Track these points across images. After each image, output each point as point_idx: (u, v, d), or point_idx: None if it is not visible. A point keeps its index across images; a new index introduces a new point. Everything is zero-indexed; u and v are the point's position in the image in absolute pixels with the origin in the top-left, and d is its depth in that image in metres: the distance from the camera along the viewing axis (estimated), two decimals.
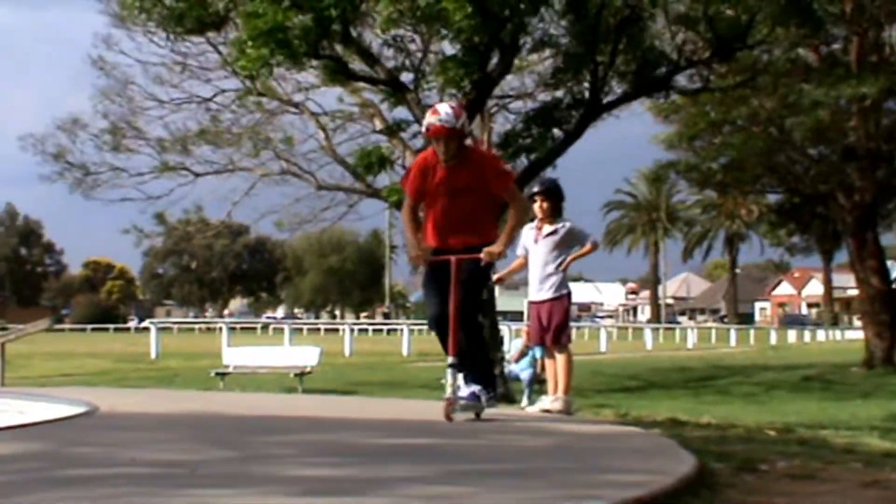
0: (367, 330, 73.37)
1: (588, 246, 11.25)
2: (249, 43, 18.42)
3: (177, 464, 6.20)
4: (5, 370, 16.77)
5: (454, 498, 5.14)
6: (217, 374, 22.41)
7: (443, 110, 9.54)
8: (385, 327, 73.54)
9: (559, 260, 11.02)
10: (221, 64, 23.95)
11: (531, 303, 11.26)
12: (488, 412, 9.47)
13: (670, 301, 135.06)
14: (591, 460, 7.02)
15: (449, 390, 9.12)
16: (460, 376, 9.21)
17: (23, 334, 20.51)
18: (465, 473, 6.10)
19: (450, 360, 9.14)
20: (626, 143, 39.09)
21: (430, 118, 9.51)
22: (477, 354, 9.57)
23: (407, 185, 9.94)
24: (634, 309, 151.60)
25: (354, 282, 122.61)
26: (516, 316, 51.19)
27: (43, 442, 7.38)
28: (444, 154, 9.42)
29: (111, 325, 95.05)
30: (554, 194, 11.21)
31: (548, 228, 11.09)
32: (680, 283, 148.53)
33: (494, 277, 12.38)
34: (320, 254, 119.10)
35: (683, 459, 6.70)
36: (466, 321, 9.37)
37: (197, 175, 26.91)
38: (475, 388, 9.34)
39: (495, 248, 9.41)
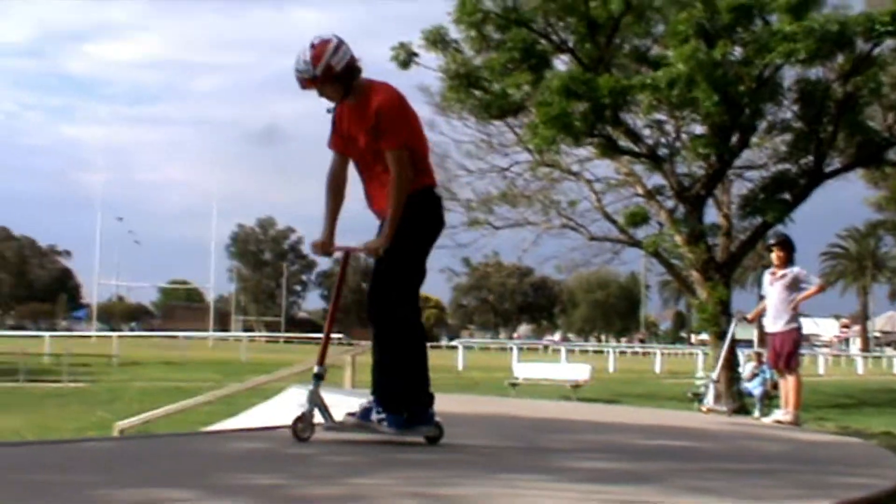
0: (626, 352, 72.53)
1: (814, 287, 10.91)
2: (541, 126, 18.79)
3: (483, 453, 6.23)
4: (355, 376, 17.30)
5: (711, 490, 4.97)
6: (510, 383, 22.66)
7: (299, 57, 5.70)
8: (641, 350, 72.65)
9: (790, 299, 10.75)
10: (517, 142, 24.17)
11: (767, 333, 11.09)
12: None
13: (878, 334, 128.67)
14: (819, 464, 6.71)
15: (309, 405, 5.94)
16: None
17: (366, 349, 21.17)
18: (717, 470, 5.91)
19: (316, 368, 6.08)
20: (837, 203, 37.70)
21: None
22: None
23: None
24: (847, 340, 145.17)
25: (616, 313, 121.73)
26: (748, 343, 49.70)
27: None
28: (331, 100, 5.90)
29: (428, 344, 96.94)
30: (787, 246, 11.05)
31: (780, 273, 10.89)
32: (887, 320, 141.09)
33: (749, 317, 11.97)
34: (589, 290, 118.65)
35: None
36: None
37: (496, 228, 27.16)
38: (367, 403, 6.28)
39: (378, 241, 5.91)
